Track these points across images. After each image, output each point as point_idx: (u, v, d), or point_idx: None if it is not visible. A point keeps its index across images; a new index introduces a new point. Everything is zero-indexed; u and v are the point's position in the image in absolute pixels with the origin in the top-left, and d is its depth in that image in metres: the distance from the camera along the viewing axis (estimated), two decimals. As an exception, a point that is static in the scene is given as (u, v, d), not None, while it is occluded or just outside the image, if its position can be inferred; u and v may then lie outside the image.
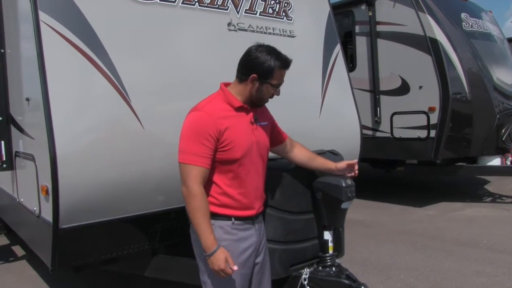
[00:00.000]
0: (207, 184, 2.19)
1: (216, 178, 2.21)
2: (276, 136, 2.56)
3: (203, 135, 2.10)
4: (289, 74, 2.33)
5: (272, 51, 2.24)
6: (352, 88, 4.50)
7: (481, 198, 7.60)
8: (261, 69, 2.21)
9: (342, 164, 2.64)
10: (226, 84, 2.32)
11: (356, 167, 2.67)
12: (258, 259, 2.40)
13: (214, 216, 2.19)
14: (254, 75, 2.21)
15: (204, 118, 2.13)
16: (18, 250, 5.26)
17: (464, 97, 6.68)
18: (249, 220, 2.31)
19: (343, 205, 2.69)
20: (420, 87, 6.70)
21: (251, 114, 2.29)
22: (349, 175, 2.68)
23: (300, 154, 2.64)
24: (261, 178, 2.37)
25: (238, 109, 2.24)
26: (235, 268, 2.12)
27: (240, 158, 2.20)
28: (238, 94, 2.26)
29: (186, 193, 2.11)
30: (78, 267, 3.25)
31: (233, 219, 2.24)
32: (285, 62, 2.25)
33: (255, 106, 2.32)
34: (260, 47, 2.25)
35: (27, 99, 3.17)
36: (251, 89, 2.24)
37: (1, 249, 5.36)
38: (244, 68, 2.25)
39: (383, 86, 7.12)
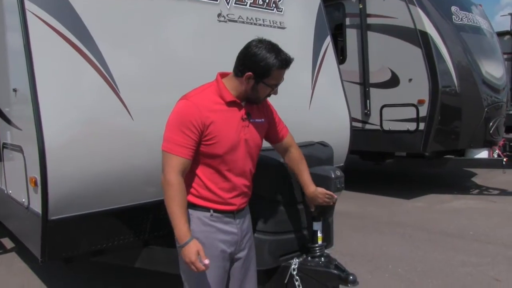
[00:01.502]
0: (189, 174, 2.15)
1: (198, 170, 2.16)
2: (274, 134, 2.47)
3: (187, 126, 2.04)
4: (278, 66, 2.30)
5: (272, 49, 2.11)
6: (342, 80, 4.51)
7: (469, 190, 7.69)
8: (258, 68, 2.09)
9: (320, 190, 2.55)
10: (223, 75, 2.22)
11: (335, 197, 2.58)
12: (241, 254, 2.35)
13: (193, 206, 2.17)
14: (250, 73, 2.10)
15: (191, 108, 2.07)
16: (7, 242, 5.23)
17: (453, 90, 6.73)
18: (230, 214, 2.26)
19: (332, 196, 2.70)
20: (410, 80, 6.74)
21: (243, 110, 2.19)
22: (322, 201, 2.58)
23: (290, 162, 2.56)
24: (246, 176, 2.29)
25: (230, 103, 2.15)
26: (206, 262, 2.03)
27: (223, 154, 2.13)
28: (233, 89, 2.16)
29: (163, 182, 2.07)
30: (68, 259, 3.23)
31: (211, 211, 2.19)
32: (284, 62, 2.13)
33: (251, 102, 2.24)
34: (261, 43, 2.12)
35: (14, 90, 3.14)
36: (246, 86, 2.14)
37: (-10, 241, 5.34)
38: (240, 64, 2.14)
39: (373, 79, 7.15)
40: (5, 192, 3.64)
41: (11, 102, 3.32)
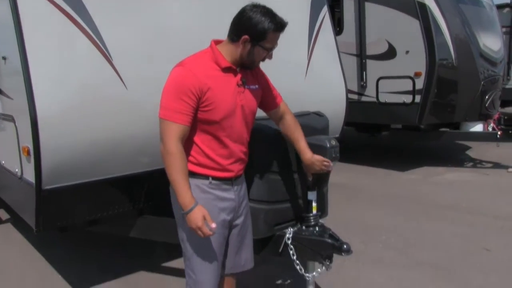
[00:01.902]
0: (187, 142, 2.15)
1: (196, 137, 2.17)
2: (268, 101, 2.48)
3: (185, 92, 2.04)
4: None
5: (267, 12, 2.12)
6: (338, 51, 4.46)
7: (462, 163, 7.73)
8: (254, 31, 2.10)
9: (317, 157, 2.55)
10: (217, 42, 2.22)
11: (332, 164, 2.56)
12: (238, 221, 2.39)
13: (191, 174, 2.16)
14: (246, 36, 2.11)
15: (187, 75, 2.06)
16: (3, 213, 5.24)
17: (450, 63, 6.69)
18: (228, 181, 2.28)
19: (327, 166, 2.70)
20: (407, 52, 6.69)
21: (239, 76, 2.20)
22: (319, 169, 2.58)
23: (285, 129, 2.57)
24: (243, 142, 2.32)
25: (225, 69, 2.16)
26: (213, 226, 2.08)
27: (221, 120, 2.15)
28: (228, 55, 2.17)
29: (163, 151, 2.08)
30: (63, 228, 3.24)
31: (210, 178, 2.21)
32: (279, 25, 2.14)
33: (245, 68, 2.25)
34: (255, 7, 2.14)
35: (3, 58, 3.08)
36: (242, 51, 2.15)
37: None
38: (236, 29, 2.14)
39: (369, 51, 7.08)
40: (-2, 162, 3.62)
41: (1, 71, 3.26)
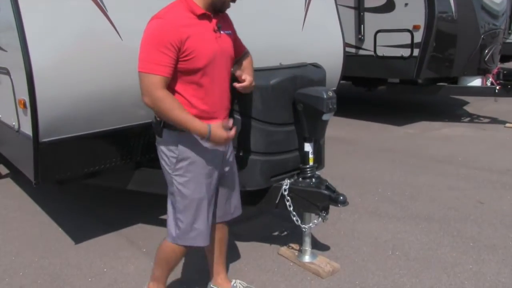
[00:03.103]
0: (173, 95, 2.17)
1: (179, 88, 2.18)
2: (236, 47, 2.48)
3: (164, 44, 2.04)
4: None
5: None
6: (336, 4, 4.37)
7: (460, 118, 7.74)
8: None
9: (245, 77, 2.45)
10: None
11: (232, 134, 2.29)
12: (226, 169, 2.46)
13: (181, 129, 2.18)
14: None
15: (165, 26, 2.06)
16: (2, 168, 5.27)
17: (450, 16, 6.57)
18: None
19: (324, 117, 2.71)
20: (406, 4, 6.55)
21: (214, 21, 2.22)
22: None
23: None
24: (226, 87, 2.35)
25: (201, 16, 2.17)
26: (231, 123, 2.22)
27: (203, 67, 2.16)
28: (199, 1, 2.17)
29: (152, 102, 2.09)
30: (61, 181, 3.27)
31: None
32: None
33: (217, 11, 2.25)
34: None
35: (-4, 9, 3.01)
36: None
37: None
38: None
39: (367, 3, 6.92)
40: (-5, 116, 3.60)
41: (-7, 23, 3.19)
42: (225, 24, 2.33)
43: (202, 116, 2.21)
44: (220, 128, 2.17)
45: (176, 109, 2.10)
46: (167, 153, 2.27)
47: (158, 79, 2.06)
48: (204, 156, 2.27)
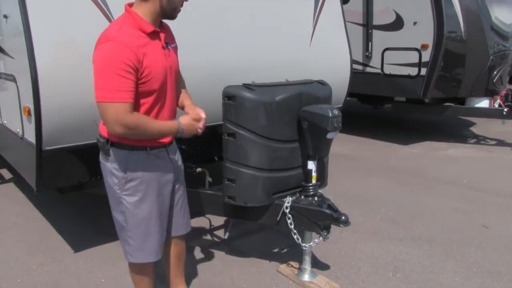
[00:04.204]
0: None
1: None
2: None
3: (122, 67, 1.88)
4: (279, 1, 2.22)
5: None
6: (344, 20, 4.37)
7: (466, 139, 7.68)
8: None
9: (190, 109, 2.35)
10: (130, 5, 2.08)
11: (201, 124, 2.28)
12: (177, 184, 2.43)
13: (130, 148, 2.14)
14: None
15: (121, 49, 1.90)
16: (5, 173, 5.28)
17: (459, 36, 6.55)
18: (163, 148, 2.26)
19: (329, 135, 2.69)
20: (415, 23, 6.54)
21: (162, 38, 2.11)
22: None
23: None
24: (174, 104, 2.29)
25: (151, 34, 2.05)
26: (203, 115, 2.25)
27: (158, 88, 2.08)
28: (147, 15, 2.04)
29: (125, 130, 1.97)
30: (63, 189, 3.27)
31: (148, 148, 2.18)
32: None
33: (168, 18, 2.14)
34: None
35: (5, 16, 3.03)
36: (161, 1, 2.03)
37: (-13, 171, 5.38)
38: None
39: (376, 20, 6.93)
40: (0, 122, 3.62)
41: (2, 29, 3.22)
42: (169, 37, 2.22)
43: (159, 139, 2.20)
44: (190, 121, 2.20)
45: (149, 124, 2.06)
46: (115, 172, 2.17)
47: (126, 107, 1.93)
48: (154, 175, 2.22)
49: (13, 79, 3.07)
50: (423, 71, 6.46)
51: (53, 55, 2.65)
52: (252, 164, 2.71)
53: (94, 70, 1.95)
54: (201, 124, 2.24)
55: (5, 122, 3.52)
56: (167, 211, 2.38)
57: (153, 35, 2.07)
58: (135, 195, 2.20)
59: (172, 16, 2.15)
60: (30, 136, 2.84)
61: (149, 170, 2.20)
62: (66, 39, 2.69)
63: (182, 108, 2.37)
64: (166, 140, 2.25)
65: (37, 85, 2.59)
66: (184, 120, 2.19)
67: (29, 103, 2.73)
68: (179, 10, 2.15)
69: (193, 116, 2.24)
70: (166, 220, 2.38)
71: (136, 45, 1.96)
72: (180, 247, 2.61)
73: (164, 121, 2.15)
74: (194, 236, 3.67)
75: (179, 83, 2.37)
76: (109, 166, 2.18)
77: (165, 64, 2.12)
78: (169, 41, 2.18)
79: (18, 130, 3.09)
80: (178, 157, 2.44)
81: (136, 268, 2.41)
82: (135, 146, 2.15)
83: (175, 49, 2.27)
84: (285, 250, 3.54)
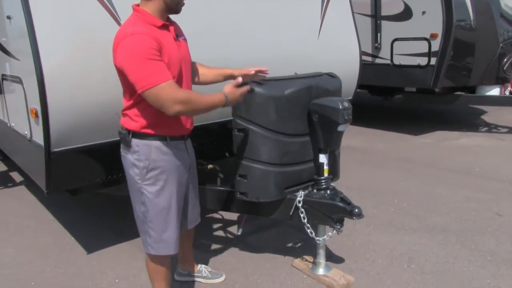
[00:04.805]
0: (141, 105, 2.15)
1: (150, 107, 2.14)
2: None
3: (152, 52, 1.99)
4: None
5: None
6: (353, 11, 4.32)
7: (477, 128, 7.59)
8: None
9: (245, 70, 2.58)
10: (137, 5, 2.19)
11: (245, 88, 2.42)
12: (191, 178, 2.50)
13: (151, 136, 2.20)
14: None
15: (143, 38, 2.00)
16: (16, 176, 5.30)
17: (468, 25, 6.46)
18: (181, 139, 2.34)
19: (340, 128, 2.65)
20: (423, 12, 6.46)
21: (172, 30, 2.21)
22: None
23: (204, 74, 2.60)
24: None
25: (162, 27, 2.15)
26: (240, 79, 2.34)
27: (175, 76, 2.15)
28: (155, 11, 2.14)
29: (183, 105, 2.05)
30: (74, 191, 3.25)
31: (168, 138, 2.24)
32: None
33: (173, 13, 2.22)
34: None
35: (8, 17, 3.01)
36: None
37: (-1, 175, 5.41)
38: None
39: (384, 11, 6.85)
40: (8, 125, 3.61)
41: (7, 31, 3.20)
42: (179, 30, 2.33)
43: (171, 125, 2.24)
44: (236, 89, 2.29)
45: (199, 96, 2.13)
46: (136, 163, 2.23)
47: (172, 83, 2.03)
48: (174, 164, 2.28)
49: (19, 81, 3.06)
50: (433, 60, 6.38)
51: (59, 57, 2.62)
52: (263, 159, 2.67)
53: (126, 68, 2.01)
54: (244, 89, 2.35)
55: (13, 125, 3.51)
56: (182, 203, 2.44)
57: (164, 28, 2.16)
58: (156, 184, 2.25)
59: (177, 10, 2.23)
60: (38, 138, 2.83)
61: (170, 160, 2.26)
62: (72, 39, 2.66)
63: (222, 80, 2.55)
64: (186, 131, 2.35)
65: (44, 86, 2.57)
66: (227, 89, 2.27)
67: (36, 105, 2.71)
68: (183, 4, 2.24)
69: (234, 83, 2.33)
70: (181, 212, 2.43)
71: (153, 34, 2.05)
72: (190, 232, 2.76)
73: (212, 95, 2.20)
74: (207, 233, 3.65)
75: (194, 74, 2.48)
76: (130, 157, 2.25)
77: (179, 55, 2.20)
78: (179, 34, 2.28)
79: (26, 132, 3.08)
80: (192, 152, 2.51)
81: (156, 260, 2.45)
82: (155, 135, 2.21)
83: (185, 41, 2.36)
84: (299, 244, 3.51)
